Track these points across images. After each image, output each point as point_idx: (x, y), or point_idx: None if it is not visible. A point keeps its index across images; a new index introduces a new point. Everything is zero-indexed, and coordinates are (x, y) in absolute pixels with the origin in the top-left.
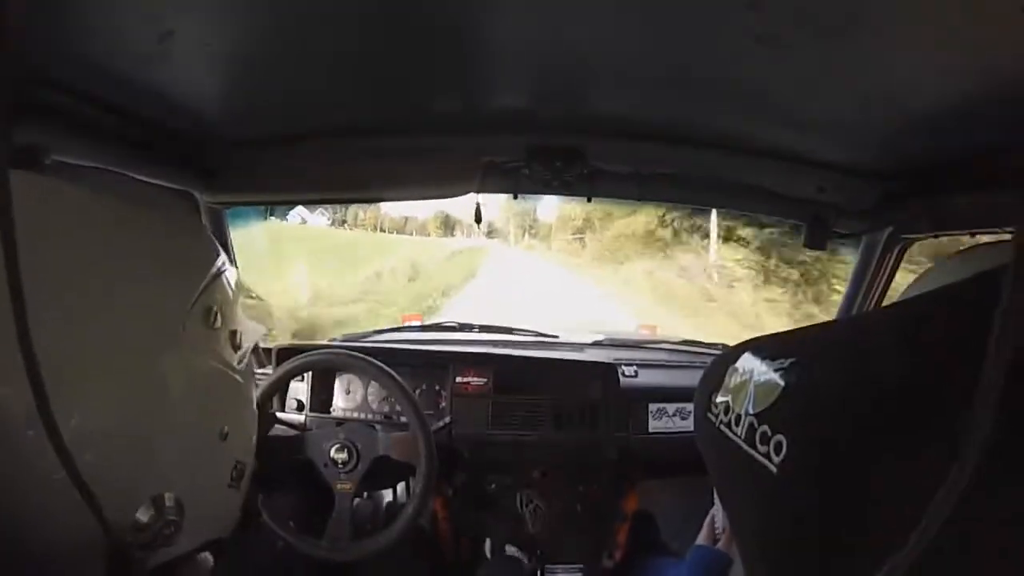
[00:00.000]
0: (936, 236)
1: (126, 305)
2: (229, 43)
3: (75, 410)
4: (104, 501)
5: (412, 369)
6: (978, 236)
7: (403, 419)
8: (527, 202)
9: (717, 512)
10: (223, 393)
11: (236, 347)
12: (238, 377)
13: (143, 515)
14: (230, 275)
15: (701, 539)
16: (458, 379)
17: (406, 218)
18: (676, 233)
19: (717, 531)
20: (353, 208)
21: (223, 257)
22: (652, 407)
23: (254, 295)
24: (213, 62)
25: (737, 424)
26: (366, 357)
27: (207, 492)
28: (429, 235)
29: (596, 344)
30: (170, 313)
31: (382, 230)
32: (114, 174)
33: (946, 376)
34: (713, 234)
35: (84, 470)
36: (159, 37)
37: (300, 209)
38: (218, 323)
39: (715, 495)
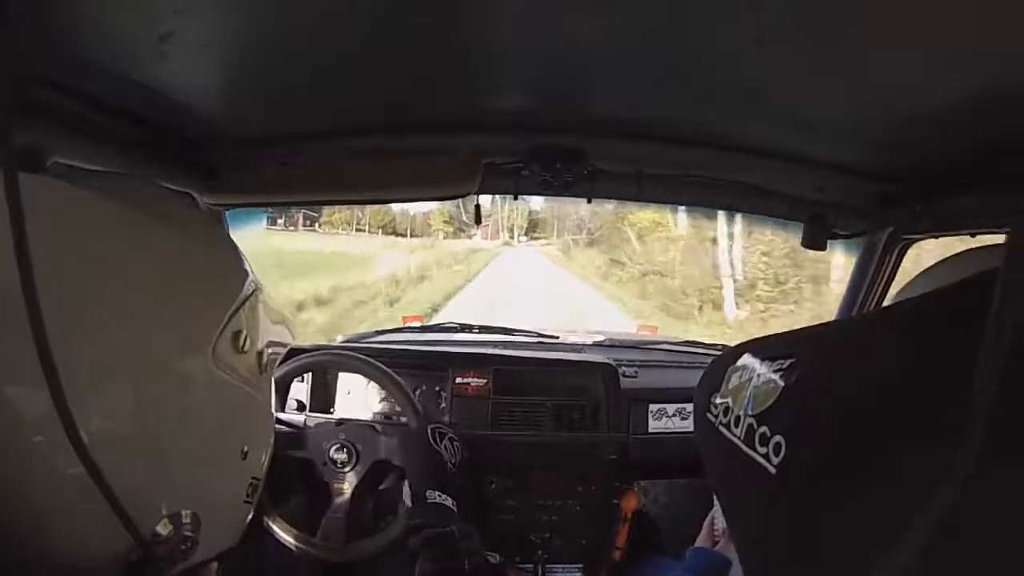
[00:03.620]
0: (936, 236)
1: (156, 326)
2: (229, 44)
3: (96, 421)
4: (103, 530)
5: (412, 370)
6: (978, 236)
7: (403, 419)
8: None
9: (716, 514)
10: (246, 414)
11: (263, 369)
12: (261, 397)
13: (162, 529)
14: (260, 296)
15: (700, 541)
16: (458, 380)
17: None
18: None
19: (716, 533)
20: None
21: (253, 277)
22: (652, 407)
23: (277, 309)
24: (213, 63)
25: (736, 425)
26: (366, 358)
27: (224, 508)
28: (438, 235)
29: (596, 345)
30: (199, 335)
31: (359, 229)
32: (160, 189)
33: (946, 377)
34: None
35: (77, 498)
36: (159, 38)
37: None
38: (247, 346)
39: (715, 496)
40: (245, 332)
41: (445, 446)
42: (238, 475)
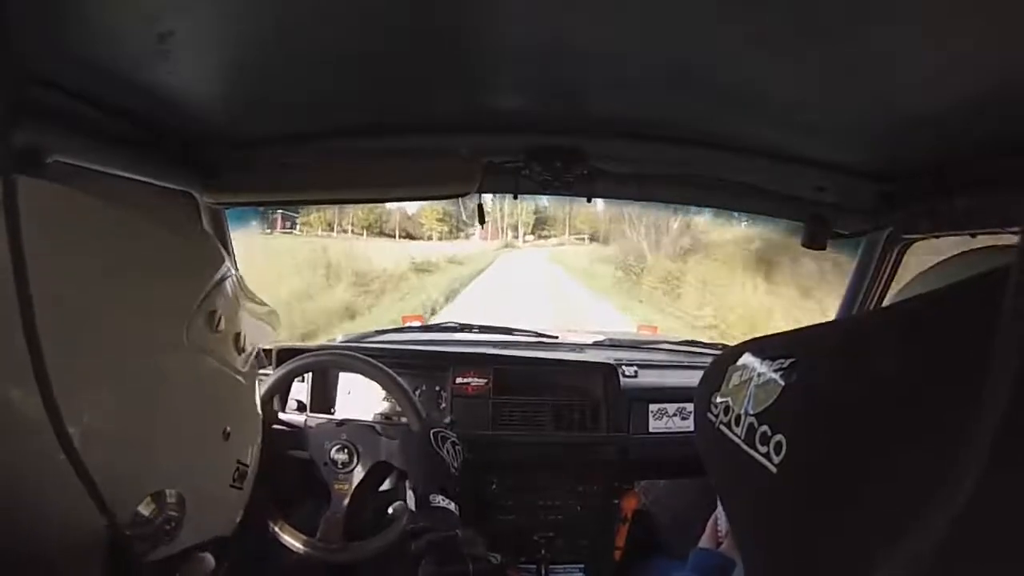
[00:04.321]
0: (936, 236)
1: (129, 309)
2: (229, 43)
3: (83, 410)
4: (106, 496)
5: (412, 370)
6: (978, 236)
7: (403, 419)
8: None
9: (720, 514)
10: (226, 394)
11: (240, 350)
12: (241, 379)
13: (144, 509)
14: (234, 280)
15: (704, 541)
16: (458, 380)
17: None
18: None
19: (720, 533)
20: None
21: (228, 262)
22: (652, 407)
23: (259, 299)
24: (213, 62)
25: (737, 424)
26: (366, 358)
27: (209, 490)
28: (430, 238)
29: (596, 345)
30: (173, 316)
31: (341, 229)
32: (119, 179)
33: (947, 376)
34: None
35: (88, 467)
36: (159, 37)
37: None
38: (221, 326)
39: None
40: (220, 312)
41: (447, 450)
42: (221, 456)
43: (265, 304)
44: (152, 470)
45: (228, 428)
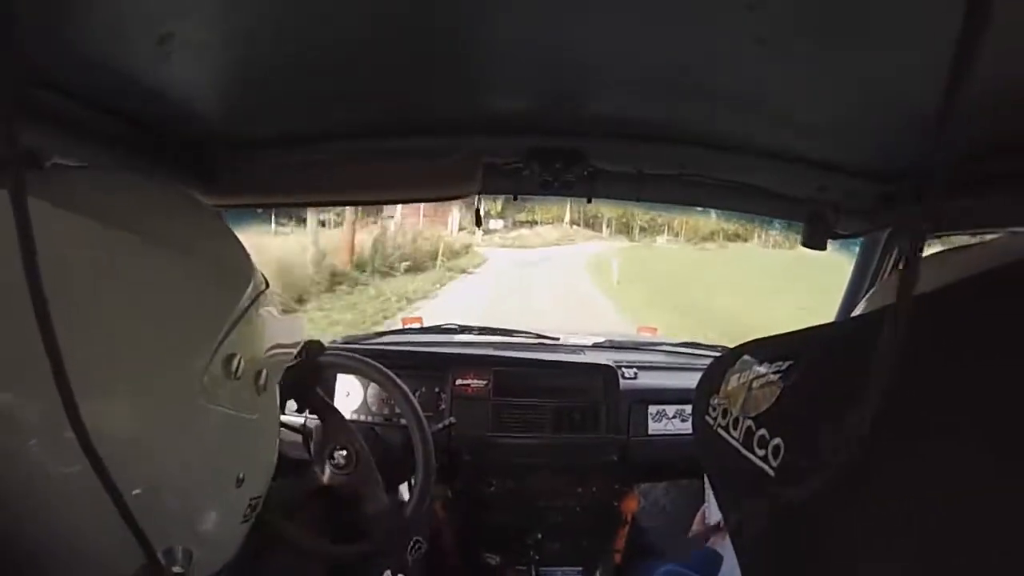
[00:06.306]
0: (937, 236)
1: (132, 369)
2: (230, 45)
3: (80, 466)
4: (111, 552)
5: (412, 371)
6: (978, 236)
7: (403, 421)
8: None
9: (709, 506)
10: (242, 441)
11: (260, 389)
12: (258, 418)
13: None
14: (261, 301)
15: (693, 531)
16: (458, 381)
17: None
18: None
19: (709, 524)
20: None
21: (254, 281)
22: (652, 409)
23: (287, 304)
24: (213, 64)
25: (735, 427)
26: (366, 359)
27: (219, 536)
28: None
29: (596, 346)
30: (186, 372)
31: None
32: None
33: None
34: None
35: (89, 522)
36: (159, 39)
37: None
38: (240, 371)
39: (706, 488)
40: (239, 355)
41: (412, 557)
42: (234, 501)
43: (292, 308)
44: (159, 527)
45: (242, 474)
